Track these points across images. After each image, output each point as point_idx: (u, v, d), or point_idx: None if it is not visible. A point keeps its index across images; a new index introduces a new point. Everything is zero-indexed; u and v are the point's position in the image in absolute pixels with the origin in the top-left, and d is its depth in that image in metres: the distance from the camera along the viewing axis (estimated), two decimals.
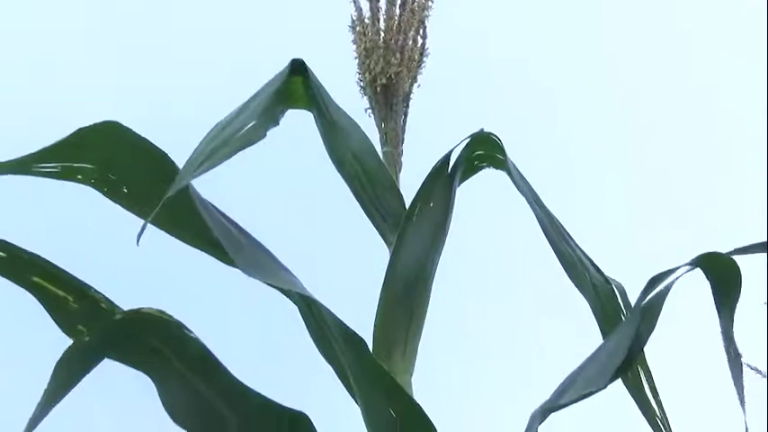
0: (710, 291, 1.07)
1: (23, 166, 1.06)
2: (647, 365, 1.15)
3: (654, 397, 1.15)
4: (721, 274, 1.03)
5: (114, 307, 1.07)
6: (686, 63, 3.19)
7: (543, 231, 1.19)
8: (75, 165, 1.08)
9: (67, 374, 0.88)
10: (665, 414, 1.14)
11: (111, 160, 1.08)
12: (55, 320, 1.05)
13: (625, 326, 1.11)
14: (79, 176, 1.08)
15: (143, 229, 0.86)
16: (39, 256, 1.04)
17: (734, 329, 0.98)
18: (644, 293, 1.04)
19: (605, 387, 1.02)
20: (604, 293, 1.19)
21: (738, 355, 0.98)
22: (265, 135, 1.07)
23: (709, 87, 3.10)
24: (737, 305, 1.00)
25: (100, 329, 1.02)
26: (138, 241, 0.85)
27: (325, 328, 1.11)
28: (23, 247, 1.05)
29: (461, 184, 1.28)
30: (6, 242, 1.02)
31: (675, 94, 3.10)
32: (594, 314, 1.19)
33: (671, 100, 3.10)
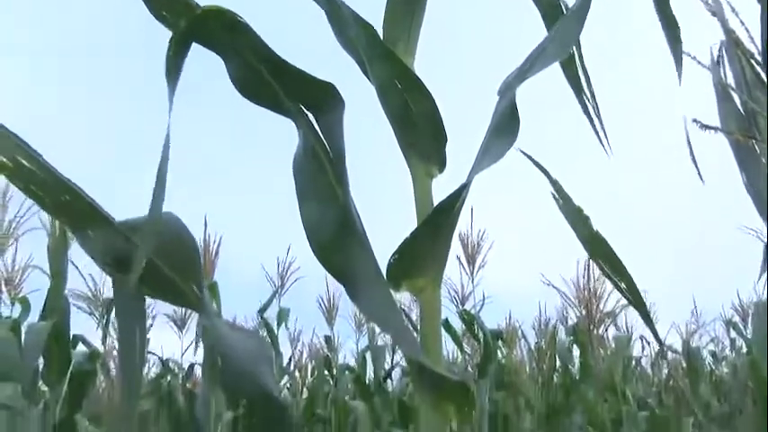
0: None
1: None
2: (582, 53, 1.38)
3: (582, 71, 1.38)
4: None
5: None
6: None
7: None
8: None
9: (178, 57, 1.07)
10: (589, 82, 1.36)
11: None
12: (146, 5, 1.16)
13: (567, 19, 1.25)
14: None
15: None
16: None
17: None
18: None
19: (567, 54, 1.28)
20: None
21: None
22: None
23: None
24: None
25: (186, 19, 1.12)
26: None
27: (344, 22, 1.26)
28: None
29: None
30: None
31: None
32: (544, 21, 1.34)
33: None
